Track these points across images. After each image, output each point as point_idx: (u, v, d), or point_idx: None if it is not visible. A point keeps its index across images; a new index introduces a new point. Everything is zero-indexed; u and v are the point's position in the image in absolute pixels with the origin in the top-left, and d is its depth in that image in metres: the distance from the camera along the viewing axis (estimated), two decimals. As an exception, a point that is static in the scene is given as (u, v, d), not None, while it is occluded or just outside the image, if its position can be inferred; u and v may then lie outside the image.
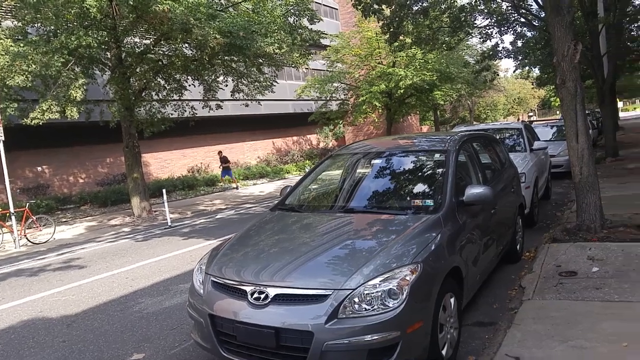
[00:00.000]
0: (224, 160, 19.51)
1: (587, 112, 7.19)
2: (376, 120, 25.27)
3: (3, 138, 10.55)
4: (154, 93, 14.02)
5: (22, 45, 9.92)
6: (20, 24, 11.04)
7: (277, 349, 2.79)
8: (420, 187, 4.12)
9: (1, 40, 9.88)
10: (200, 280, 3.37)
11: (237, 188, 19.62)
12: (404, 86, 21.53)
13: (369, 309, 2.70)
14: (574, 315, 3.52)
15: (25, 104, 11.40)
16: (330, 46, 24.15)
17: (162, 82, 13.91)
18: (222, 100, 15.59)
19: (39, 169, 17.53)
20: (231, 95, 15.21)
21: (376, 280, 2.77)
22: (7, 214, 10.86)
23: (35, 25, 11.21)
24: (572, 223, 6.14)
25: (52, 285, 6.65)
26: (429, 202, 3.75)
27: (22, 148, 15.62)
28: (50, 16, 10.24)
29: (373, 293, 2.74)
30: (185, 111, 15.51)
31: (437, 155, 4.27)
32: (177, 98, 14.79)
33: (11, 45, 9.81)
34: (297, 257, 3.16)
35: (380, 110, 24.41)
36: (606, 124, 14.16)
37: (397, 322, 2.68)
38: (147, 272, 6.81)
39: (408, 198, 3.98)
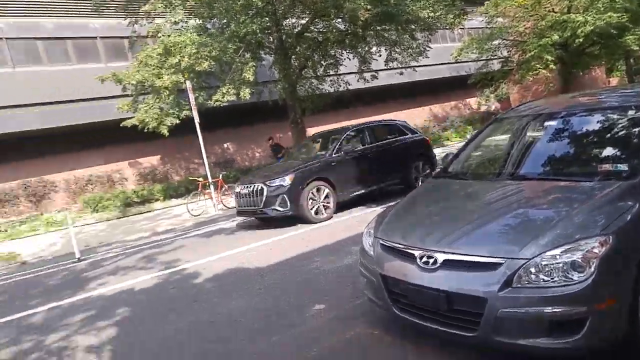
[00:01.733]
0: None
1: None
2: (548, 75, 22.41)
3: (198, 120, 12.53)
4: (312, 70, 14.84)
5: (204, 37, 11.71)
6: (200, 21, 12.92)
7: (448, 312, 2.83)
8: (609, 150, 3.53)
9: (189, 35, 11.79)
10: (369, 243, 3.54)
11: None
12: (583, 34, 18.60)
13: (548, 280, 2.53)
14: None
15: (210, 91, 13.30)
16: (488, 0, 22.07)
17: (319, 58, 14.61)
18: (376, 71, 15.67)
19: (225, 145, 20.26)
20: (385, 64, 15.17)
21: (556, 251, 2.56)
22: (207, 184, 12.98)
23: (212, 20, 12.98)
24: None
25: (246, 242, 7.74)
26: (622, 166, 3.21)
27: (213, 129, 18.08)
28: (222, 10, 11.83)
29: (553, 264, 2.54)
30: (340, 86, 16.07)
31: (631, 112, 3.60)
32: (334, 73, 15.39)
33: (196, 38, 11.65)
34: (464, 224, 3.10)
35: (552, 66, 21.54)
36: None
37: (583, 297, 2.45)
38: (319, 235, 7.43)
39: (593, 163, 3.48)
